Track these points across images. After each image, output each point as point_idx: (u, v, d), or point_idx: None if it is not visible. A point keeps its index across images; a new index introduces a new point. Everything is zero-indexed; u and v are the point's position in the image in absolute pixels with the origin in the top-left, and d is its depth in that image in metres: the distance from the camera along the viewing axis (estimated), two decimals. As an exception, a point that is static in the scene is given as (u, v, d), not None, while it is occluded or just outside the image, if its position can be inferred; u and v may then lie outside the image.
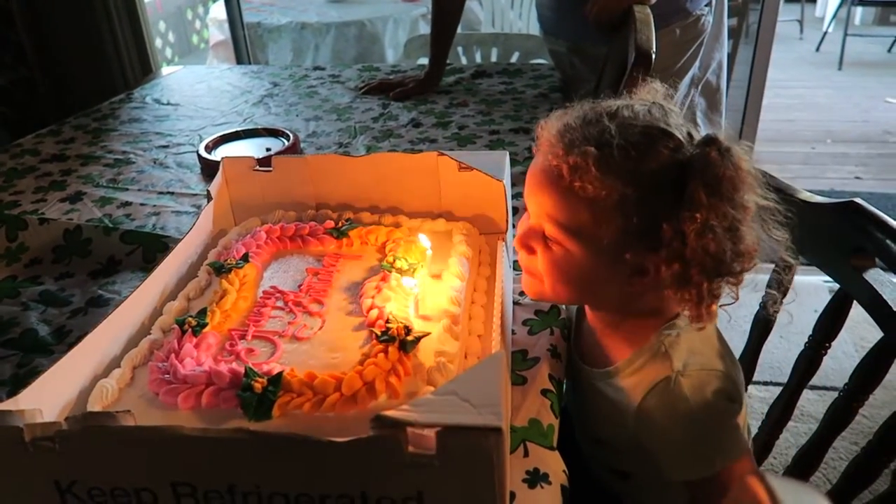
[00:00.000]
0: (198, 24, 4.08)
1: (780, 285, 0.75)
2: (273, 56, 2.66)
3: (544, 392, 0.65)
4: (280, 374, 0.56)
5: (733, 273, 0.58)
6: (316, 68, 1.81)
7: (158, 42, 3.68)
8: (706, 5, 1.44)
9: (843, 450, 1.46)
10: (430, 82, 1.56)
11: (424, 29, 2.70)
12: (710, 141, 0.58)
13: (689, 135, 0.60)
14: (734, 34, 2.88)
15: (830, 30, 4.77)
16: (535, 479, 0.56)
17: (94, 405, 0.56)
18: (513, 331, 0.74)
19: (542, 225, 0.63)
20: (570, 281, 0.64)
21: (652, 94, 0.65)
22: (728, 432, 0.62)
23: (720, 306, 0.61)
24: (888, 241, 0.66)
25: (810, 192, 0.76)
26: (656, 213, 0.57)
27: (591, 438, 0.74)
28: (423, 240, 0.75)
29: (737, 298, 0.61)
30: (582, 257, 0.61)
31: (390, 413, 0.45)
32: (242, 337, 0.64)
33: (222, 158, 0.87)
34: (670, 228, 0.56)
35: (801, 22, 5.13)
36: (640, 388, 0.64)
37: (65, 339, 0.78)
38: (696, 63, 1.49)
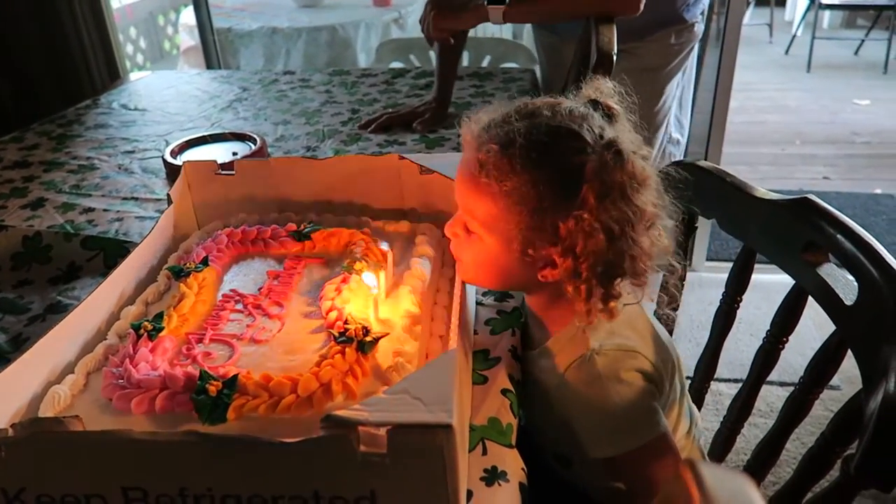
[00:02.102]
0: (170, 29, 4.03)
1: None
2: (244, 61, 2.65)
3: (504, 392, 0.65)
4: (235, 376, 0.56)
5: (627, 274, 0.61)
6: (286, 73, 1.81)
7: (130, 48, 3.64)
8: (700, 13, 1.47)
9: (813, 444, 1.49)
10: (444, 106, 1.45)
11: (396, 33, 2.71)
12: (608, 145, 0.60)
13: (601, 136, 0.61)
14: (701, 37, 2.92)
15: (799, 33, 4.86)
16: (493, 477, 0.56)
17: (46, 411, 0.55)
18: (475, 331, 0.74)
19: (463, 214, 0.67)
20: (488, 269, 0.67)
21: (597, 91, 0.66)
22: (642, 413, 0.64)
23: (625, 305, 0.64)
24: (839, 237, 0.67)
25: (779, 192, 0.77)
26: (555, 210, 0.60)
27: (533, 424, 0.76)
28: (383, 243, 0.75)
29: (638, 300, 0.65)
30: (495, 248, 0.64)
31: (341, 413, 0.45)
32: (200, 341, 0.63)
33: (184, 163, 0.86)
34: (565, 227, 0.59)
35: (770, 26, 5.21)
36: (560, 366, 0.67)
37: (22, 346, 0.76)
38: (683, 67, 1.52)
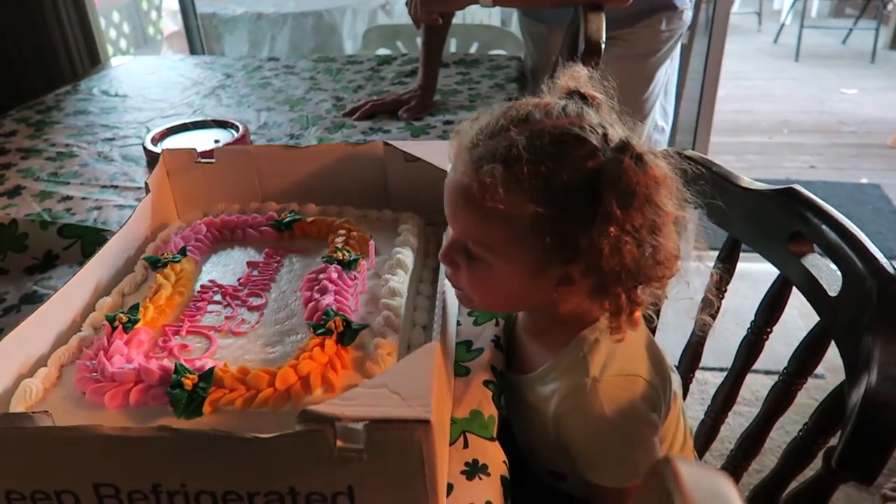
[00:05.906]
0: (154, 14, 3.97)
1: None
2: (229, 47, 2.61)
3: (486, 383, 0.64)
4: (212, 369, 0.55)
5: (654, 280, 0.57)
6: (270, 59, 1.78)
7: (112, 33, 3.58)
8: (689, 0, 1.47)
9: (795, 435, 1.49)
10: (429, 93, 1.41)
11: (383, 19, 2.68)
12: (622, 148, 0.54)
13: (605, 136, 0.56)
14: (689, 25, 2.91)
15: (788, 22, 4.86)
16: (474, 470, 0.55)
17: (17, 406, 0.54)
18: (458, 321, 0.73)
19: (464, 239, 0.60)
20: (496, 293, 0.62)
21: (574, 80, 0.62)
22: (642, 449, 0.62)
23: (656, 311, 0.60)
24: (824, 227, 0.66)
25: (766, 181, 0.76)
26: (572, 227, 0.54)
27: (522, 443, 0.74)
28: (367, 232, 0.74)
29: (664, 297, 0.60)
30: (503, 271, 0.59)
31: (317, 407, 0.44)
32: (177, 333, 0.62)
33: (162, 150, 0.84)
34: (586, 241, 0.54)
35: (759, 14, 5.21)
36: (558, 393, 0.63)
37: (-4, 338, 0.75)
38: (671, 55, 1.52)
